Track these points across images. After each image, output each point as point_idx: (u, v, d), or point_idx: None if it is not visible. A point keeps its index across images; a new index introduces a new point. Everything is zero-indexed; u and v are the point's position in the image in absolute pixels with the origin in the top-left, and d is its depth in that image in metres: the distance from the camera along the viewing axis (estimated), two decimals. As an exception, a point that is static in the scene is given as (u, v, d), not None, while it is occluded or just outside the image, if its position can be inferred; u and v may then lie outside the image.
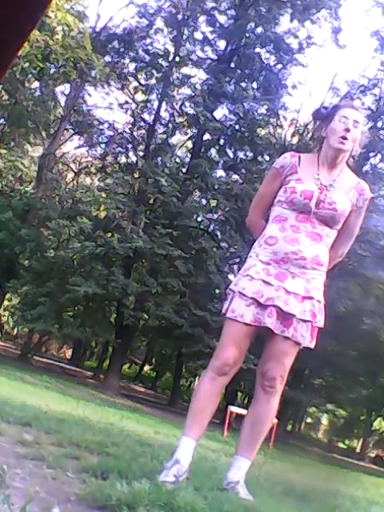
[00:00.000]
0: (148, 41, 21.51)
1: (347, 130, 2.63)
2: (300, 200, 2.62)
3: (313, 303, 2.62)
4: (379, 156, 21.26)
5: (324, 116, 2.76)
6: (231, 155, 21.21)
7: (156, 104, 21.25)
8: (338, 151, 2.66)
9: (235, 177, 21.02)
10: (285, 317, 2.57)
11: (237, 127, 20.53)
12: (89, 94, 22.72)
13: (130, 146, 21.59)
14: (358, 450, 32.66)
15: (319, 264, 2.64)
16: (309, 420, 38.10)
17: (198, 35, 21.35)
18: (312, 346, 2.64)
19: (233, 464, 2.66)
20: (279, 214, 2.68)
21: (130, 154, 22.00)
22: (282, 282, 2.58)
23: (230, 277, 18.74)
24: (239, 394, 25.82)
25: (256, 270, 2.63)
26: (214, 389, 2.64)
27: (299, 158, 2.75)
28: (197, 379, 32.80)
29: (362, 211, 2.76)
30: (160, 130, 21.61)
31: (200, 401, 2.63)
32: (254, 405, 2.69)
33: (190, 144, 22.84)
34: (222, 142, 21.04)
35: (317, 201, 2.62)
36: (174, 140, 22.64)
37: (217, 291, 18.54)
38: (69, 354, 37.10)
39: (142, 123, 21.58)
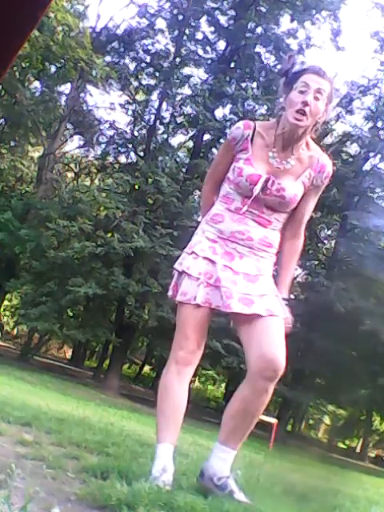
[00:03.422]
0: (149, 41, 21.52)
1: (305, 104, 2.32)
2: (245, 185, 2.40)
3: (267, 279, 2.40)
4: (379, 156, 21.28)
5: (287, 80, 2.43)
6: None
7: (156, 104, 21.25)
8: (295, 127, 2.35)
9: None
10: (243, 296, 2.31)
11: (237, 127, 20.49)
12: (90, 94, 22.74)
13: (130, 145, 21.58)
14: (358, 450, 32.61)
15: (268, 245, 2.45)
16: (309, 420, 38.07)
17: (198, 35, 21.38)
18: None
19: (216, 454, 2.31)
20: (226, 194, 2.48)
21: (130, 154, 21.99)
22: (228, 262, 2.38)
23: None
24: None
25: (201, 247, 2.43)
26: (181, 383, 2.39)
27: (254, 129, 2.45)
28: (196, 379, 32.75)
29: (319, 190, 2.50)
30: (160, 129, 21.60)
31: (170, 400, 2.36)
32: (247, 391, 2.28)
33: (190, 144, 22.84)
34: (222, 141, 21.01)
35: (263, 187, 2.39)
36: (174, 140, 22.65)
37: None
38: (69, 353, 37.07)
39: (143, 123, 21.57)
